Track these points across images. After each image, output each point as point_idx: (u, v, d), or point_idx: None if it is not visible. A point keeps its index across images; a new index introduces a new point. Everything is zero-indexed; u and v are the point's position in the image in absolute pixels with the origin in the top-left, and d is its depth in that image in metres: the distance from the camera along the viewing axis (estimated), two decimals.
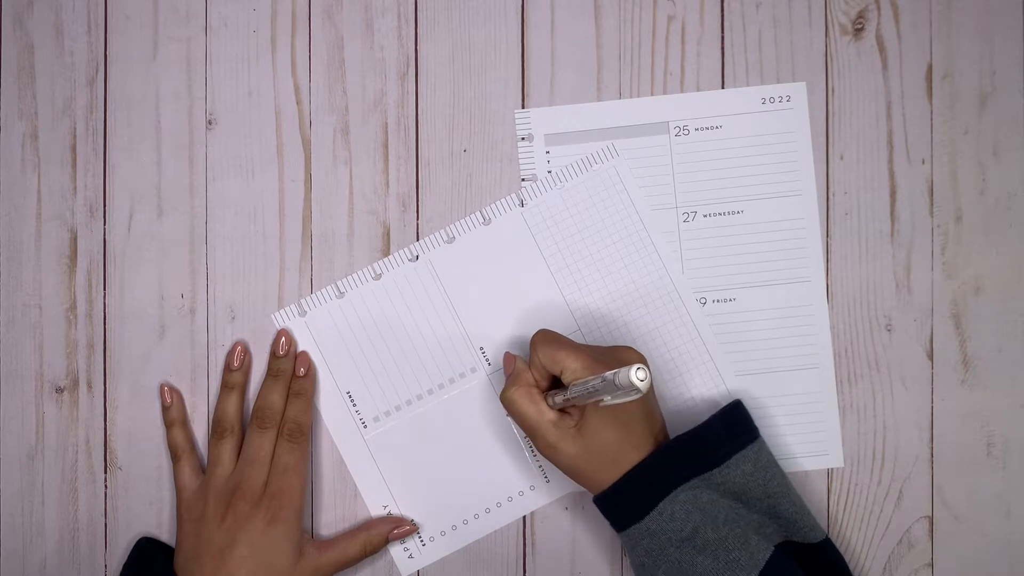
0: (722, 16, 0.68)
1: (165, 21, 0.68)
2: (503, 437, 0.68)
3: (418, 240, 0.68)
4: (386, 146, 0.68)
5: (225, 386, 0.67)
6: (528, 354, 0.64)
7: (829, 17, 0.68)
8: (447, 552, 0.68)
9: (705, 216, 0.68)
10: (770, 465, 0.62)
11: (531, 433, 0.61)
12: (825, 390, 0.67)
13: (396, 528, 0.67)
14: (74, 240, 0.68)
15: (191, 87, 0.68)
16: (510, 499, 0.68)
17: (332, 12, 0.68)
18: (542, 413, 0.61)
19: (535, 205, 0.68)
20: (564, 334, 0.65)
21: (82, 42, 0.68)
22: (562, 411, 0.61)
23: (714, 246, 0.67)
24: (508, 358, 0.65)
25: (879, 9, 0.68)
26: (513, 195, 0.68)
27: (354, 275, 0.68)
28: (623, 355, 0.62)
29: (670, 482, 0.60)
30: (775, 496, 0.62)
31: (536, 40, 0.68)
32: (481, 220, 0.68)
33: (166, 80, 0.68)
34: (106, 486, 0.68)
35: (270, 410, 0.65)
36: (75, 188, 0.68)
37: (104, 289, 0.68)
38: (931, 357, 0.67)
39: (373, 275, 0.68)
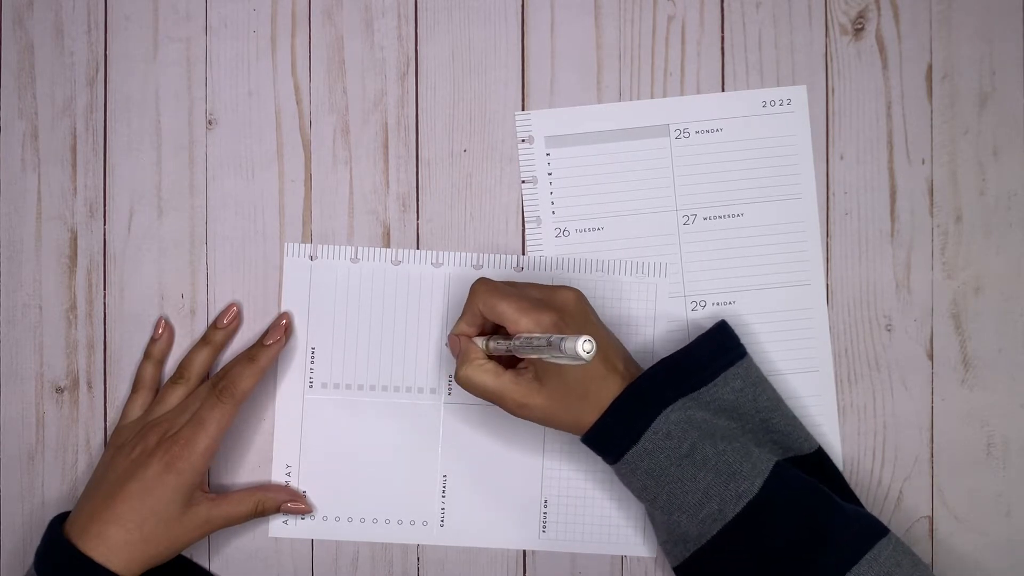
0: (722, 16, 0.68)
1: (165, 21, 0.68)
2: (423, 466, 0.67)
3: (418, 241, 0.68)
4: (386, 146, 0.68)
5: (204, 340, 0.67)
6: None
7: (829, 17, 0.68)
8: (322, 537, 0.67)
9: (705, 219, 0.67)
10: (759, 381, 0.63)
11: (497, 401, 0.60)
12: (824, 394, 0.67)
13: (292, 502, 0.66)
14: (74, 240, 0.68)
15: (191, 87, 0.68)
16: (400, 523, 0.67)
17: (332, 12, 0.68)
18: (500, 378, 0.60)
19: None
20: None
21: (82, 42, 0.68)
22: (515, 361, 0.61)
23: (714, 249, 0.67)
24: (453, 340, 0.63)
25: (879, 9, 0.68)
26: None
27: (374, 250, 0.68)
28: (561, 297, 0.61)
29: (659, 402, 0.59)
30: (765, 411, 0.62)
31: (536, 40, 0.68)
32: (515, 264, 0.68)
33: (166, 80, 0.68)
34: None
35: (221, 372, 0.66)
36: (75, 188, 0.68)
37: (104, 289, 0.68)
38: (931, 357, 0.67)
39: (393, 260, 0.68)
